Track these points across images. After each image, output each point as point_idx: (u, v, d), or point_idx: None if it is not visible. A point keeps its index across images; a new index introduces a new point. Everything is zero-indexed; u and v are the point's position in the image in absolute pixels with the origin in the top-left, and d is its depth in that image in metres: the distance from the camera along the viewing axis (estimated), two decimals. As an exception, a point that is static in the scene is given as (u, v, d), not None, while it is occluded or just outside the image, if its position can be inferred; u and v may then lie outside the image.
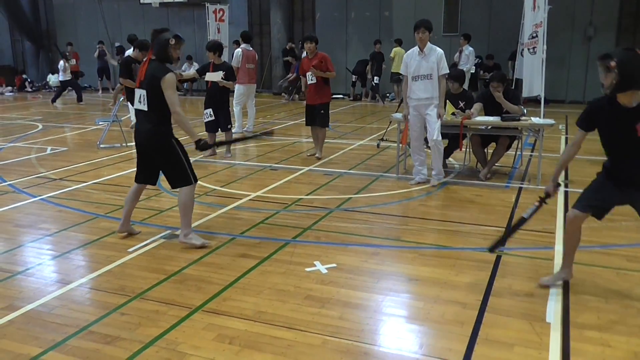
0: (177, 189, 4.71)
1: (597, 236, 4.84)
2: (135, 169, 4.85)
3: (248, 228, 5.16)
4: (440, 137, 6.53)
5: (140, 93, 4.51)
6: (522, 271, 4.20)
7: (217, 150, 8.59)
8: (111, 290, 3.87)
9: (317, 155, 8.31)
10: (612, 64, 3.24)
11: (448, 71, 6.57)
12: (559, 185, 3.82)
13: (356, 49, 17.34)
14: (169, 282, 4.00)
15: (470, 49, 14.35)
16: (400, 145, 7.28)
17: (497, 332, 3.27)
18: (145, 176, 4.80)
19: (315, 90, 8.15)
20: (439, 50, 6.47)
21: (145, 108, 4.49)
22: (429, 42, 6.46)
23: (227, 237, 4.90)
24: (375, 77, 16.38)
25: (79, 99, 16.66)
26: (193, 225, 5.16)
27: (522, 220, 3.94)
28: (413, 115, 6.60)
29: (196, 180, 4.71)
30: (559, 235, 4.88)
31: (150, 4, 19.00)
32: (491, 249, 3.99)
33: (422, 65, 6.45)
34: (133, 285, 3.93)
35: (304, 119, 8.53)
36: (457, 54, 14.50)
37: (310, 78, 8.08)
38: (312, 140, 8.68)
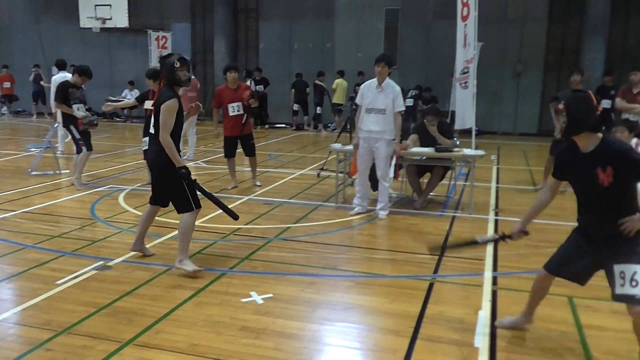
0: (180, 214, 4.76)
1: (524, 262, 5.06)
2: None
3: (184, 258, 5.08)
4: (393, 174, 6.62)
5: (152, 118, 4.68)
6: (453, 298, 4.33)
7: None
8: (36, 324, 3.71)
9: (257, 183, 8.38)
10: (560, 106, 3.11)
11: (404, 108, 6.64)
12: (525, 233, 3.54)
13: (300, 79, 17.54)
14: (99, 315, 3.88)
15: None
16: (346, 175, 7.39)
17: (427, 358, 3.36)
18: (156, 198, 4.93)
19: (241, 122, 8.00)
20: (397, 88, 6.57)
21: (153, 131, 4.66)
22: (387, 78, 6.56)
23: (162, 268, 4.82)
24: (318, 107, 16.63)
25: None
26: (125, 256, 5.08)
27: (474, 243, 3.79)
28: (363, 147, 6.67)
29: (198, 207, 4.74)
30: (488, 262, 5.07)
31: (91, 28, 18.69)
32: (431, 250, 3.83)
33: (378, 98, 6.50)
34: (60, 319, 3.79)
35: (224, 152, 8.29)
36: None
37: (238, 109, 7.92)
38: (242, 170, 8.61)
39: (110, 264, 4.89)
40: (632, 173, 3.03)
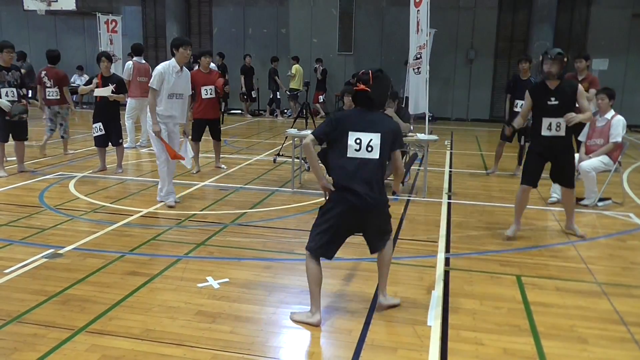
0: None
1: (475, 244, 5.21)
2: None
3: (138, 245, 5.01)
4: (192, 154, 6.67)
5: None
6: (407, 279, 4.42)
7: (107, 166, 8.27)
8: (-17, 315, 3.60)
9: (223, 166, 8.58)
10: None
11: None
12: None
13: (254, 65, 17.36)
14: (50, 303, 3.79)
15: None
16: (303, 160, 7.41)
17: (382, 337, 3.43)
18: None
19: (212, 105, 8.20)
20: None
21: None
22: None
23: (115, 255, 4.73)
24: (277, 93, 16.47)
25: None
26: (77, 244, 4.98)
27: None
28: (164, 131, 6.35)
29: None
30: (441, 244, 5.20)
31: (36, 11, 17.89)
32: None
33: (178, 83, 6.24)
34: (9, 308, 3.68)
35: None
36: None
37: (210, 92, 8.08)
38: (207, 154, 8.65)
39: (61, 251, 4.77)
40: None
